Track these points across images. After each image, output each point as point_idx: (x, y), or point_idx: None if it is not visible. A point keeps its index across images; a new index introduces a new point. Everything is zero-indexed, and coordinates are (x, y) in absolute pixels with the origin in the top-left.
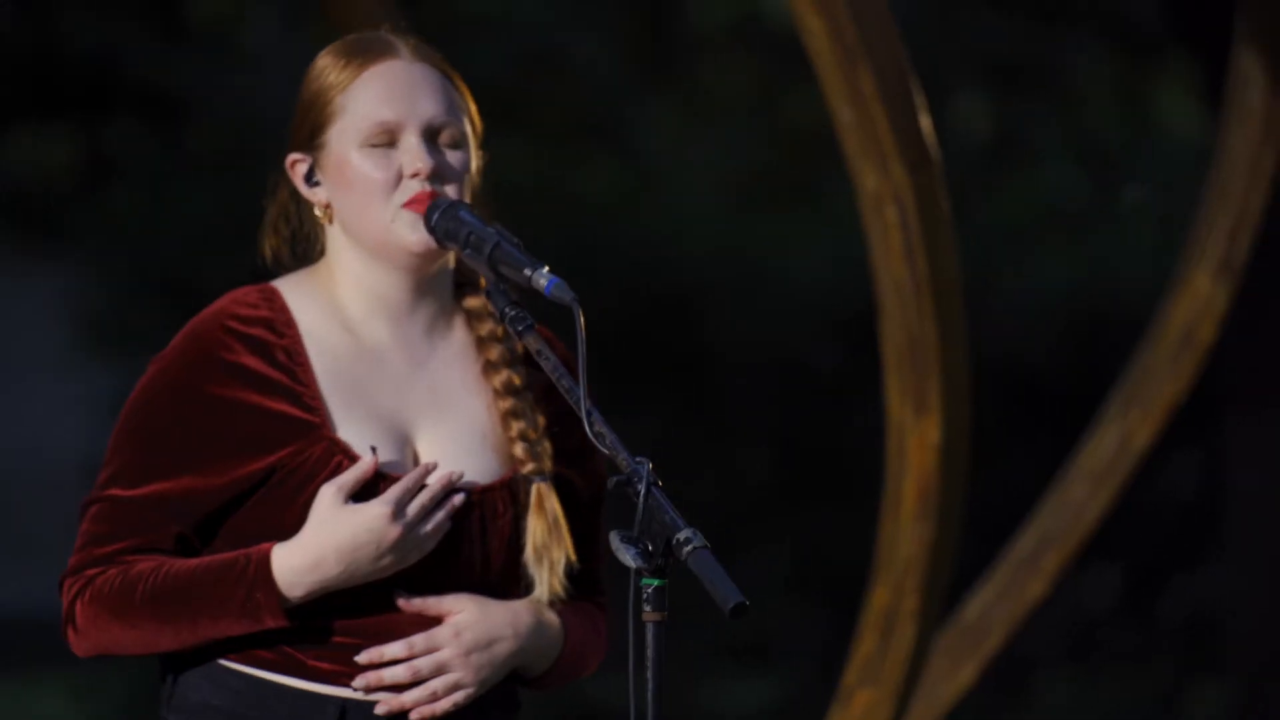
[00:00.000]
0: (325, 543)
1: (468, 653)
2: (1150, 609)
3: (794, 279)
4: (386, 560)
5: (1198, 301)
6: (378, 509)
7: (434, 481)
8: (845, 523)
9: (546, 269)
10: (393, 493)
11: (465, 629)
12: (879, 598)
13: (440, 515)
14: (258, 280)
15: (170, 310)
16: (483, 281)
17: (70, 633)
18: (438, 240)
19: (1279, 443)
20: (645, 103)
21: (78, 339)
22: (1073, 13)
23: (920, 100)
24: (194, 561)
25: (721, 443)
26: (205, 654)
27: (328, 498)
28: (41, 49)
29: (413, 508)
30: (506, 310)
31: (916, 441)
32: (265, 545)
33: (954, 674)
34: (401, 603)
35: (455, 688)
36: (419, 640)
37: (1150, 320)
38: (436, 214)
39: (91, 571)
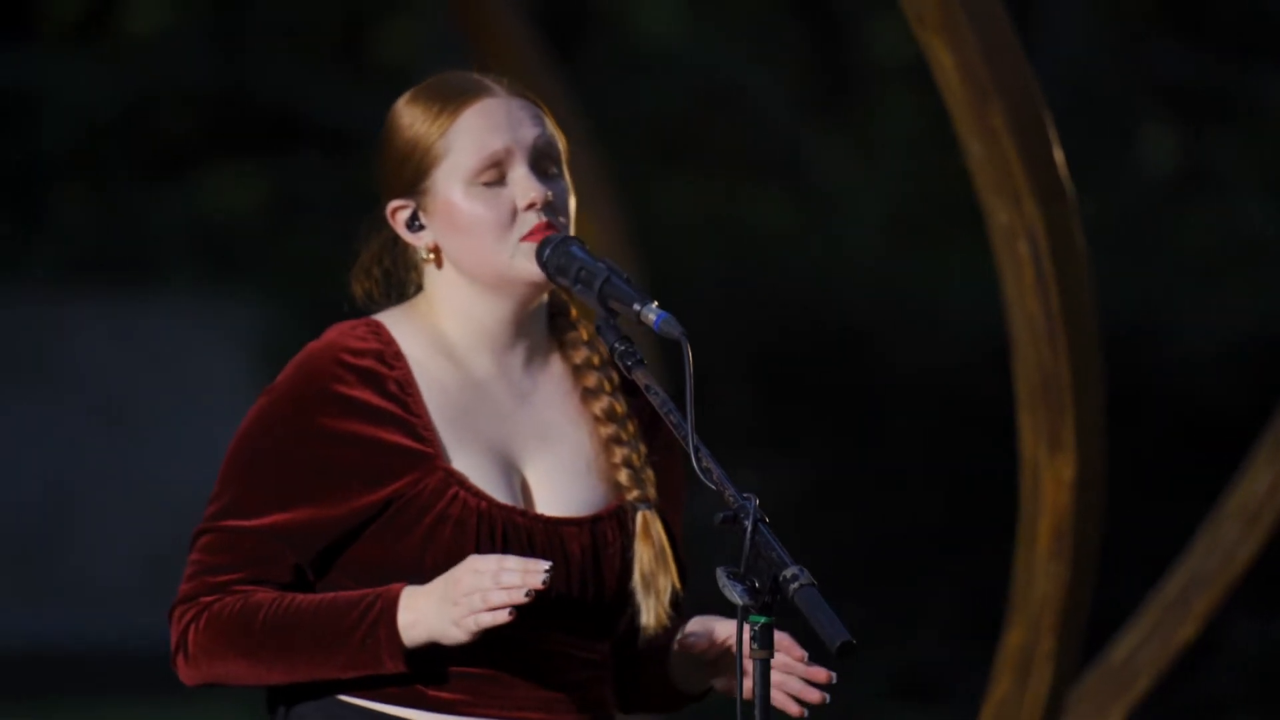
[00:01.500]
0: (430, 594)
1: None
2: None
3: (962, 312)
4: (452, 636)
5: None
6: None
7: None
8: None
9: (655, 304)
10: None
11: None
12: (1014, 638)
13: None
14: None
15: None
16: (574, 313)
17: (180, 661)
18: (549, 275)
19: None
20: (817, 137)
21: (260, 371)
22: (1266, 41)
23: (1053, 134)
24: (320, 595)
25: (887, 476)
26: (320, 684)
27: (466, 561)
28: (230, 90)
29: (485, 620)
30: (616, 345)
31: (1050, 480)
32: (397, 585)
33: (1100, 718)
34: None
35: None
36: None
37: None
38: (548, 250)
39: (207, 599)
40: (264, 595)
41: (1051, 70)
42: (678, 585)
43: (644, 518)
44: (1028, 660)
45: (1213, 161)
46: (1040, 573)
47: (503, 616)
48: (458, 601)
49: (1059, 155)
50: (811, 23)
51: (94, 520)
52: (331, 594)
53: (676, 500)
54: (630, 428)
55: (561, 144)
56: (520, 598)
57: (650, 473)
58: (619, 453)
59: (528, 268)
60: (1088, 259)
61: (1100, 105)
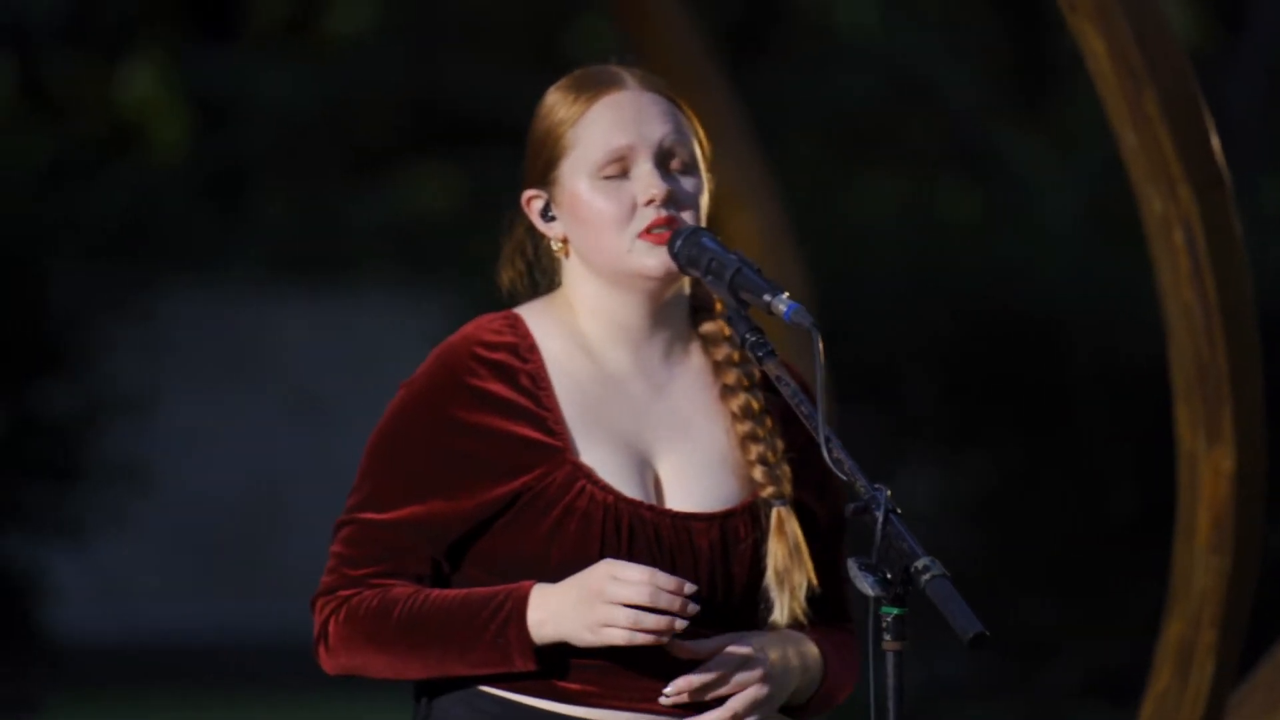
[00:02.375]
0: (564, 594)
1: (766, 677)
2: None
3: (1155, 306)
4: (584, 640)
5: None
6: (603, 608)
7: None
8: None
9: (786, 294)
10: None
11: (766, 652)
12: (1174, 632)
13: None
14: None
15: None
16: (719, 305)
17: (322, 651)
18: (680, 266)
19: None
20: (1011, 129)
21: None
22: None
23: (1209, 120)
24: (454, 591)
25: (1085, 472)
26: (461, 677)
27: (602, 566)
28: (428, 91)
29: (619, 632)
30: (747, 336)
31: (1209, 471)
32: (526, 584)
33: (1273, 711)
34: (675, 645)
35: (755, 705)
36: (730, 661)
37: None
38: (679, 241)
39: (346, 592)
40: (400, 591)
41: (1261, 58)
42: (813, 581)
43: (779, 514)
44: (1188, 654)
45: None
46: (1200, 566)
47: (641, 639)
48: (595, 607)
49: (1215, 142)
50: (1005, 13)
51: (295, 513)
52: (464, 591)
53: (824, 491)
54: (768, 422)
55: (699, 140)
56: (666, 625)
57: (786, 469)
58: (754, 450)
59: (644, 262)
60: (1244, 247)
61: None
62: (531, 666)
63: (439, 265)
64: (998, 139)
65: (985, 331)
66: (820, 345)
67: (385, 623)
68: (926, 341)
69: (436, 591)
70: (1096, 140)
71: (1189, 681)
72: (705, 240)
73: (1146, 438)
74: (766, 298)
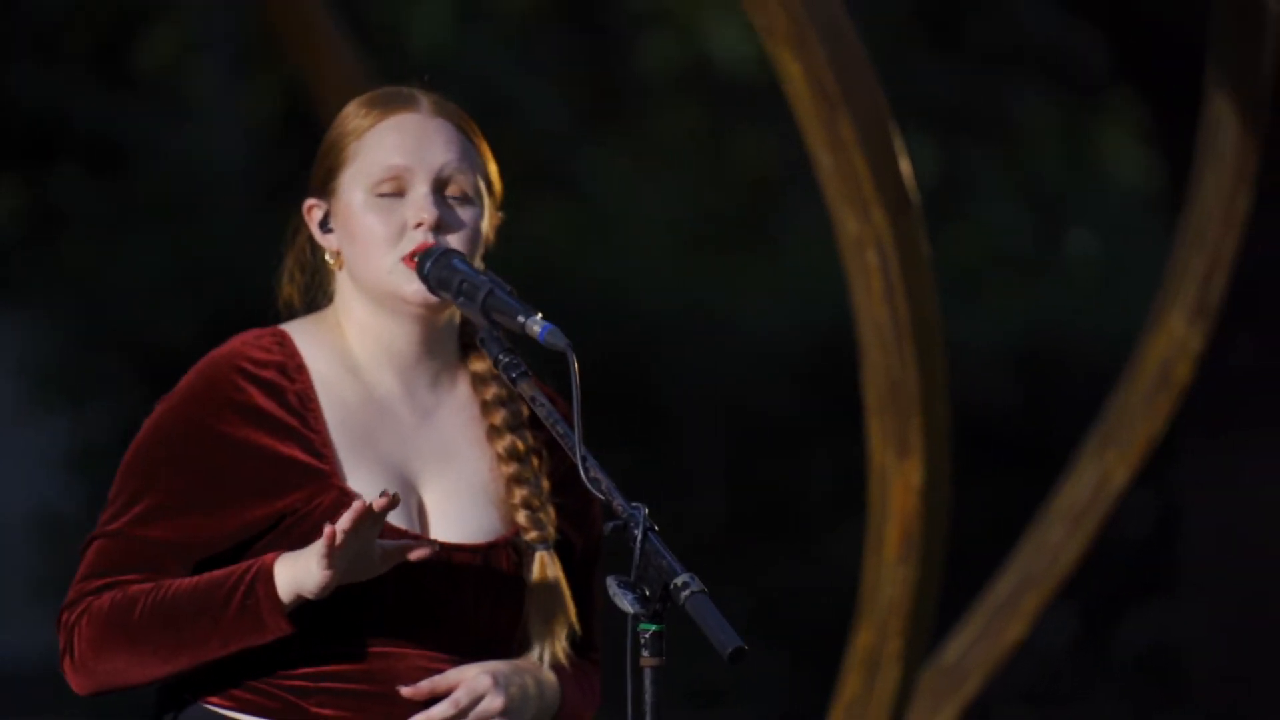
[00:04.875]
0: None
1: (505, 710)
2: (1107, 646)
3: (745, 325)
4: (316, 577)
5: (1173, 343)
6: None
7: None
8: (801, 567)
9: (540, 316)
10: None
11: (506, 684)
12: (863, 640)
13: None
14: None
15: (120, 360)
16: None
17: (68, 666)
18: (430, 288)
19: (1234, 477)
20: (594, 149)
21: (28, 390)
22: (1017, 55)
23: (899, 145)
24: (195, 577)
25: (676, 489)
26: (195, 690)
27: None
28: None
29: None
30: (500, 357)
31: (899, 484)
32: (271, 554)
33: (933, 717)
34: (407, 691)
35: None
36: (463, 696)
37: (1123, 362)
38: (429, 262)
39: (91, 599)
40: (143, 586)
41: None
42: (575, 625)
43: (541, 559)
44: (875, 662)
45: (969, 174)
46: (888, 576)
47: (358, 508)
48: (320, 543)
49: (905, 165)
50: (583, 35)
51: None
52: (207, 573)
53: (583, 521)
54: (535, 463)
55: (485, 171)
56: (377, 498)
57: (551, 511)
58: (518, 493)
59: (403, 287)
60: (932, 267)
61: None
62: (284, 626)
63: (1, 283)
64: (581, 160)
65: (582, 352)
66: (576, 366)
67: (131, 612)
68: (522, 362)
69: (180, 579)
70: (679, 161)
71: (875, 689)
72: (456, 262)
73: (735, 454)
74: (520, 319)
